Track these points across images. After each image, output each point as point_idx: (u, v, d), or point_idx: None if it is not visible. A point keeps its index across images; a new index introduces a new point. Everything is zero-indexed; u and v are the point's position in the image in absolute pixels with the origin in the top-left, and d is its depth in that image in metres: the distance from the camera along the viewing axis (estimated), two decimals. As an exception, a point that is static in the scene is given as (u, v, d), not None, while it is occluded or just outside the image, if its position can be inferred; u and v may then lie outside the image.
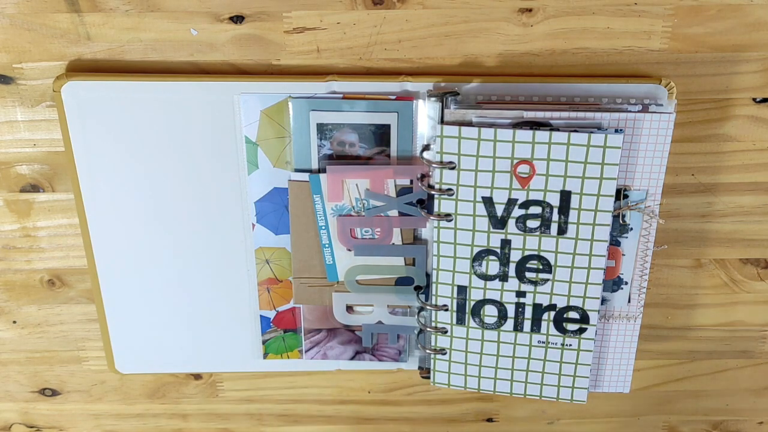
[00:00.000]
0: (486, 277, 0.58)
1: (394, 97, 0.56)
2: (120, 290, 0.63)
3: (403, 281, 0.62)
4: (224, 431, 0.73)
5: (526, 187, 0.55)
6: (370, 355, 0.65)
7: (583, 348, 0.60)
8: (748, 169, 0.60)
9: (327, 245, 0.60)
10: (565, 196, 0.55)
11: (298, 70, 0.57)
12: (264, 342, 0.65)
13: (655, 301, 0.66)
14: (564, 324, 0.59)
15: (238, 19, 0.55)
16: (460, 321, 0.60)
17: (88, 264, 0.62)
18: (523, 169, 0.54)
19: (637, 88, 0.56)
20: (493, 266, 0.58)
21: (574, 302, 0.58)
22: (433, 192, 0.56)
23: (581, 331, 0.59)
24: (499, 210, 0.56)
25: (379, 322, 0.64)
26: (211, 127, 0.57)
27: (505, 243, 0.57)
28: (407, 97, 0.56)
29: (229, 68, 0.57)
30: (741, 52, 0.56)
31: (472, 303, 0.59)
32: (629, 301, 0.61)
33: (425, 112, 0.56)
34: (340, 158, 0.58)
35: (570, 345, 0.60)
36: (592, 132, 0.53)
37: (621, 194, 0.57)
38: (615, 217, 0.58)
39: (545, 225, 0.56)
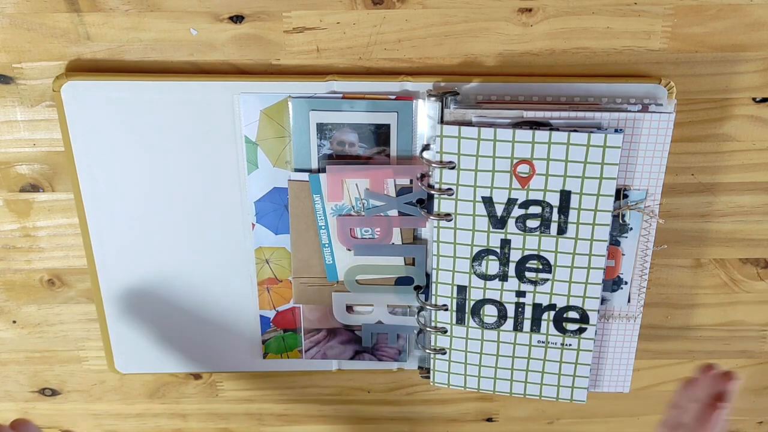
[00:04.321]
0: (486, 277, 0.58)
1: (393, 96, 0.56)
2: (120, 290, 0.63)
3: (402, 281, 0.62)
4: (224, 431, 0.73)
5: (525, 187, 0.55)
6: (370, 355, 0.65)
7: (583, 348, 0.60)
8: (747, 169, 0.60)
9: (327, 245, 0.60)
10: (565, 195, 0.55)
11: (297, 69, 0.57)
12: (264, 342, 0.65)
13: (654, 300, 0.66)
14: (564, 324, 0.59)
15: (237, 18, 0.55)
16: (460, 321, 0.60)
17: (88, 264, 0.62)
18: (523, 168, 0.54)
19: (637, 87, 0.56)
20: (492, 266, 0.58)
21: (573, 302, 0.58)
22: (432, 192, 0.56)
23: (581, 330, 0.59)
24: (499, 210, 0.56)
25: (379, 322, 0.64)
26: (211, 127, 0.57)
27: (505, 243, 0.57)
28: (407, 97, 0.56)
29: (228, 68, 0.57)
30: (741, 52, 0.56)
31: (472, 303, 0.59)
32: (629, 301, 0.61)
33: (425, 111, 0.56)
34: (340, 158, 0.58)
35: (570, 345, 0.60)
36: (591, 132, 0.53)
37: (621, 194, 0.57)
38: (615, 217, 0.58)
39: (545, 225, 0.56)
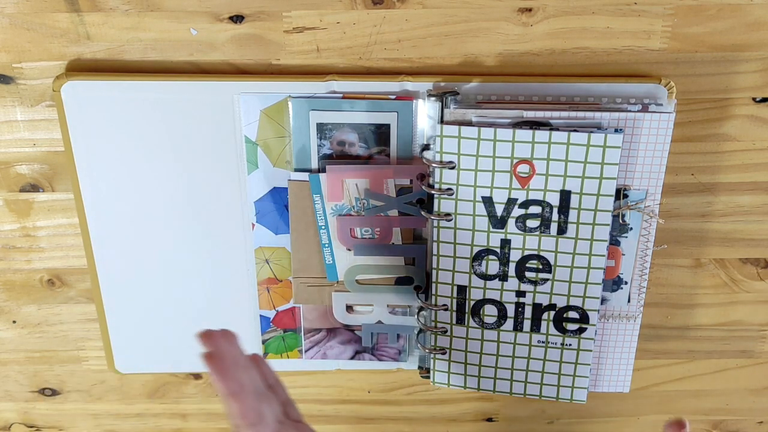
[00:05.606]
0: (486, 277, 0.58)
1: (393, 96, 0.56)
2: (120, 290, 0.63)
3: (402, 281, 0.62)
4: (224, 431, 0.73)
5: (525, 187, 0.55)
6: (370, 355, 0.65)
7: (583, 348, 0.60)
8: (747, 169, 0.60)
9: (327, 245, 0.60)
10: (565, 195, 0.55)
11: (297, 69, 0.57)
12: (264, 342, 0.65)
13: (654, 300, 0.66)
14: (564, 324, 0.59)
15: (237, 18, 0.55)
16: (460, 321, 0.60)
17: (88, 264, 0.62)
18: (523, 168, 0.54)
19: (637, 87, 0.56)
20: (492, 266, 0.58)
21: (573, 302, 0.58)
22: (432, 192, 0.56)
23: (581, 330, 0.59)
24: (499, 210, 0.56)
25: (379, 322, 0.64)
26: (211, 127, 0.57)
27: (505, 243, 0.57)
28: (407, 97, 0.56)
29: (228, 68, 0.57)
30: (741, 51, 0.56)
31: (472, 303, 0.59)
32: (629, 301, 0.61)
33: (425, 111, 0.56)
34: (340, 158, 0.58)
35: (570, 345, 0.60)
36: (591, 132, 0.53)
37: (621, 194, 0.57)
38: (615, 217, 0.58)
39: (545, 225, 0.56)
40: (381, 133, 0.57)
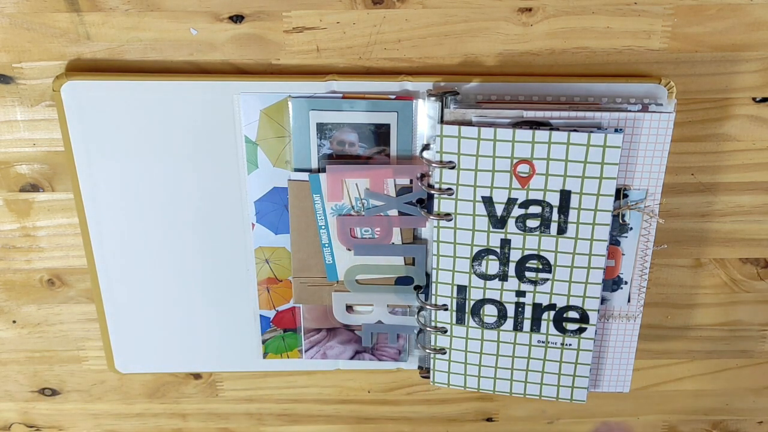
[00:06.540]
0: (486, 277, 0.58)
1: (393, 96, 0.56)
2: (120, 290, 0.63)
3: (402, 281, 0.62)
4: (224, 431, 0.73)
5: (525, 187, 0.55)
6: (370, 355, 0.65)
7: (583, 348, 0.60)
8: (747, 169, 0.60)
9: (327, 245, 0.60)
10: (565, 195, 0.55)
11: (297, 69, 0.57)
12: (264, 342, 0.65)
13: (654, 300, 0.66)
14: (564, 324, 0.59)
15: (237, 18, 0.55)
16: (460, 321, 0.60)
17: (88, 264, 0.62)
18: (523, 168, 0.54)
19: (637, 87, 0.56)
20: (492, 266, 0.58)
21: (573, 302, 0.58)
22: (432, 191, 0.56)
23: (581, 330, 0.59)
24: (499, 209, 0.56)
25: (379, 322, 0.64)
26: (211, 127, 0.57)
27: (505, 242, 0.57)
28: (407, 97, 0.56)
29: (228, 68, 0.57)
30: (741, 51, 0.56)
31: (472, 303, 0.59)
32: (629, 301, 0.61)
33: (425, 111, 0.56)
34: (340, 158, 0.58)
35: (570, 345, 0.60)
36: (591, 131, 0.53)
37: (621, 194, 0.57)
38: (615, 217, 0.58)
39: (545, 224, 0.56)
40: (381, 133, 0.57)
